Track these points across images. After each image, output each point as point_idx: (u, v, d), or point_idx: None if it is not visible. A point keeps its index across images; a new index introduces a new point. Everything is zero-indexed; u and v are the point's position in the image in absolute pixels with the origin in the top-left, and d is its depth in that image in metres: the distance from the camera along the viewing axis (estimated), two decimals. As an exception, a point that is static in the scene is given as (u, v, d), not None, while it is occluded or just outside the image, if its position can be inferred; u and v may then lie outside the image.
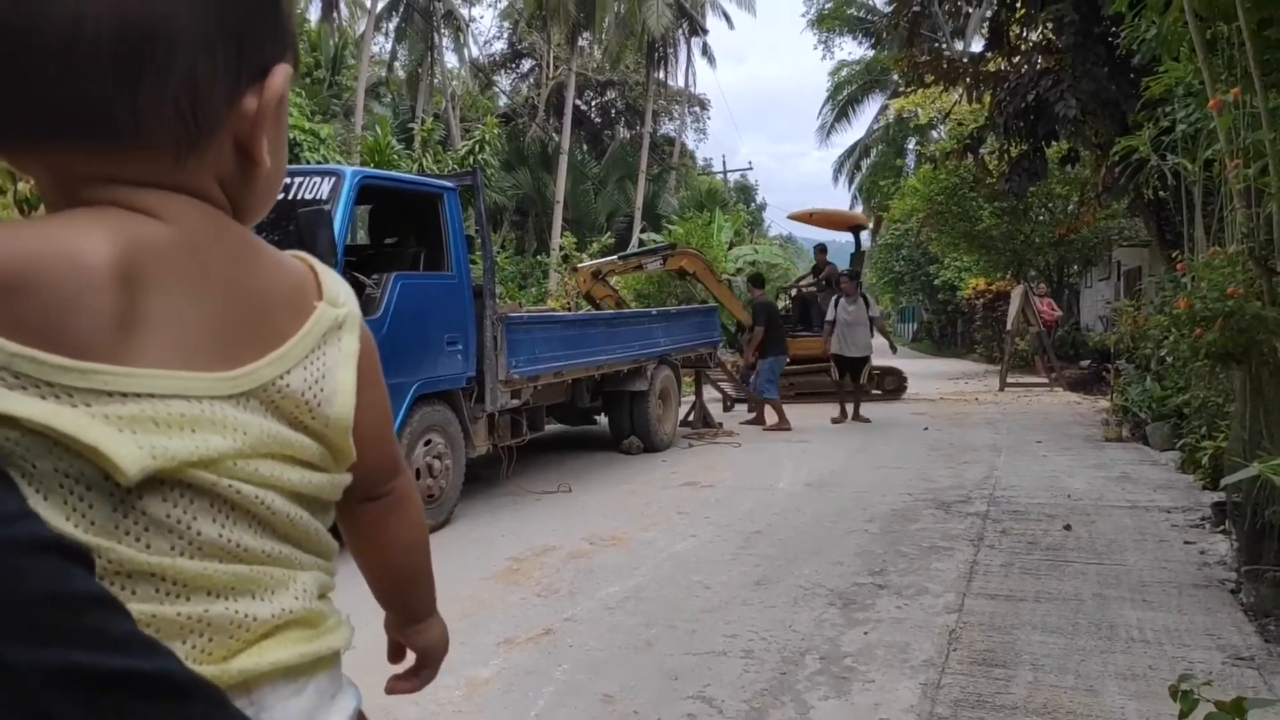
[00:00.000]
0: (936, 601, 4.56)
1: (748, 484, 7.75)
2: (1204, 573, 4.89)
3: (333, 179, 5.85)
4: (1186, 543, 5.49)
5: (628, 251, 14.86)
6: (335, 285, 0.88)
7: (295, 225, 5.33)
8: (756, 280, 13.25)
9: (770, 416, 11.30)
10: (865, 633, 4.15)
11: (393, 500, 1.03)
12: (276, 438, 0.76)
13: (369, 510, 1.02)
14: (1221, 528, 5.59)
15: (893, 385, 14.81)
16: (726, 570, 5.19)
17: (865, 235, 18.51)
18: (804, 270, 19.78)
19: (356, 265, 6.21)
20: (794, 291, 16.46)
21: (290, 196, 5.82)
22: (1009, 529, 5.97)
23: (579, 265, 11.87)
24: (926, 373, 20.86)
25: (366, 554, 1.06)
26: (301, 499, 0.80)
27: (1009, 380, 16.04)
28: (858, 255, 16.22)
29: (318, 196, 5.69)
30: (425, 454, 6.11)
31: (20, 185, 7.57)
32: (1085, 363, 16.77)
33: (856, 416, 11.79)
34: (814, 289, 15.17)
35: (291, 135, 14.55)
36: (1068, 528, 5.90)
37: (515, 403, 7.27)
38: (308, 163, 14.18)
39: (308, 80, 22.21)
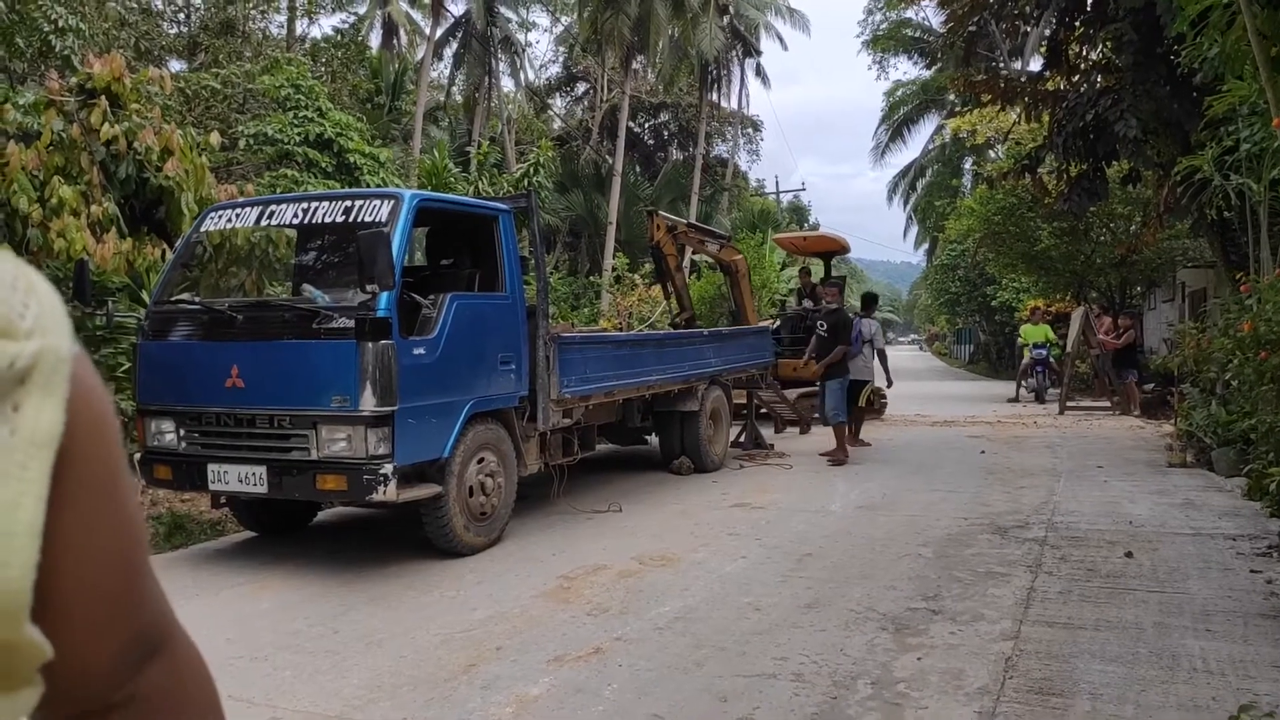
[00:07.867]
0: (992, 628, 4.48)
1: (799, 506, 7.70)
2: (1271, 603, 4.75)
3: (391, 202, 5.98)
4: (1253, 571, 5.33)
5: (701, 224, 15.18)
6: (4, 294, 0.45)
7: (355, 247, 5.47)
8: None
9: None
10: (918, 658, 4.10)
11: (142, 712, 0.58)
12: None
13: None
14: (1291, 557, 5.42)
15: (877, 405, 14.61)
16: (777, 592, 5.17)
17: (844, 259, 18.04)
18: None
19: (414, 286, 6.34)
20: (787, 311, 15.95)
21: (350, 219, 5.97)
22: (1068, 555, 5.85)
23: (658, 212, 11.54)
24: (983, 395, 20.56)
25: None
26: None
27: (1069, 404, 15.72)
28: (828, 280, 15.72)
29: (377, 219, 5.83)
30: (478, 472, 6.18)
31: (94, 208, 7.86)
32: (1149, 386, 16.38)
33: (856, 439, 11.04)
34: (804, 309, 14.87)
35: (351, 159, 14.89)
36: (1129, 555, 5.77)
37: (567, 422, 7.34)
38: (367, 185, 14.47)
39: (368, 105, 22.72)
